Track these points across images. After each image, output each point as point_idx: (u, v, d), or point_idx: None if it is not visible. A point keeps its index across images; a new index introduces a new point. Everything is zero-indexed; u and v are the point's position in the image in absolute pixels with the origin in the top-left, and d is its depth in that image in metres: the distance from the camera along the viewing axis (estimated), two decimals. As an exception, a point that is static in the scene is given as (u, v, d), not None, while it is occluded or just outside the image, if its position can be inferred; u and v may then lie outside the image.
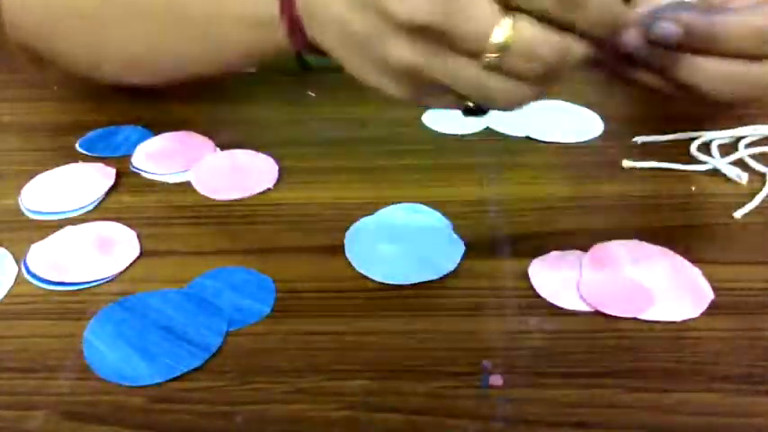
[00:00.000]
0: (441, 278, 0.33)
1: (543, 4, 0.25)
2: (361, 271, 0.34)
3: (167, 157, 0.44)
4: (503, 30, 0.25)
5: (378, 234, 0.36)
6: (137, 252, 0.35)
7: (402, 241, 0.36)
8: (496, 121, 0.48)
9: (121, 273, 0.34)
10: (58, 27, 0.46)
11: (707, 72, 0.32)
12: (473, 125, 0.47)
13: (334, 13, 0.30)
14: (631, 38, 0.32)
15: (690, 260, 0.34)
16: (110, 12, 0.43)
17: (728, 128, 0.45)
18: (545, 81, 0.27)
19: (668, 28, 0.31)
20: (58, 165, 0.43)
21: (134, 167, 0.43)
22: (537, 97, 0.27)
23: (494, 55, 0.25)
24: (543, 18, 0.25)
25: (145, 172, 0.42)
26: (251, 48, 0.39)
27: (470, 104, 0.29)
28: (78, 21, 0.45)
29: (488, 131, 0.47)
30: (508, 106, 0.28)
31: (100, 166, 0.43)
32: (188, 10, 0.40)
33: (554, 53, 0.26)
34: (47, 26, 0.46)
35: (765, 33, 0.30)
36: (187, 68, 0.45)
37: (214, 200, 0.40)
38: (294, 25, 0.34)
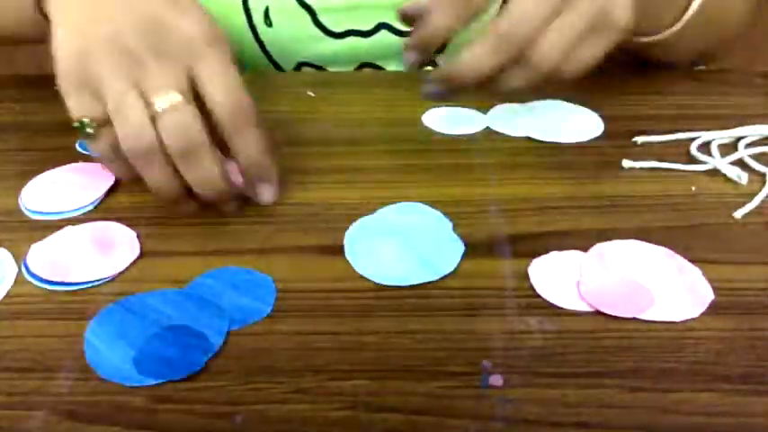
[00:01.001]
0: (441, 278, 0.33)
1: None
2: (361, 271, 0.34)
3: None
4: (169, 99, 0.34)
5: (378, 234, 0.36)
6: (137, 252, 0.35)
7: (402, 241, 0.36)
8: (496, 121, 0.48)
9: (121, 273, 0.34)
10: None
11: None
12: (473, 125, 0.47)
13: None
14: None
15: (690, 260, 0.34)
16: None
17: (728, 128, 0.45)
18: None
19: (433, 89, 0.40)
20: (57, 165, 0.43)
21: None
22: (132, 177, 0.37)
23: (158, 109, 0.34)
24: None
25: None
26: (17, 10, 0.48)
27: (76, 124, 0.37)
28: None
29: (488, 131, 0.47)
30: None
31: (100, 166, 0.43)
32: None
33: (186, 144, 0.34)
34: None
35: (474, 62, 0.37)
36: None
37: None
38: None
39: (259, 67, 0.60)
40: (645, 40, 0.50)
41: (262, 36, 0.58)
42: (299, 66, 0.60)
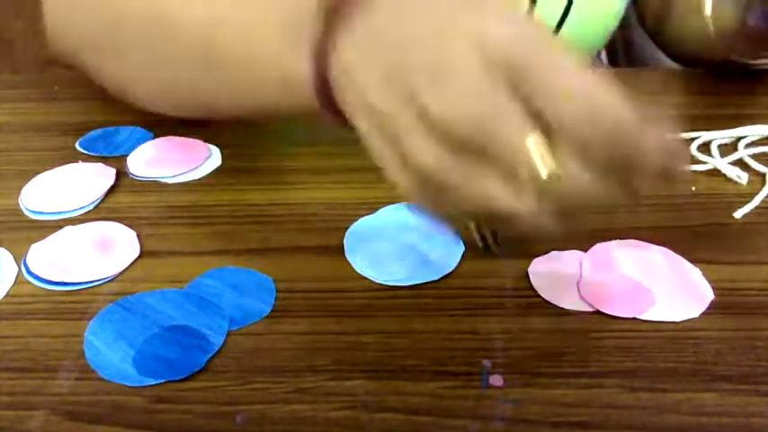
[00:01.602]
0: (441, 278, 0.33)
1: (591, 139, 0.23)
2: (361, 271, 0.34)
3: (163, 163, 0.43)
4: (546, 162, 0.23)
5: (378, 234, 0.36)
6: (137, 252, 0.35)
7: (402, 241, 0.36)
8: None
9: (121, 273, 0.34)
10: (94, 44, 0.44)
11: None
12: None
13: (356, 79, 0.27)
14: None
15: (690, 260, 0.34)
16: (143, 39, 0.41)
17: (728, 128, 0.45)
18: (568, 217, 0.25)
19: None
20: (58, 165, 0.43)
21: (131, 174, 0.43)
22: (565, 231, 0.25)
23: (541, 183, 0.23)
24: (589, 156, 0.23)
25: (143, 178, 0.42)
26: (280, 99, 0.36)
27: (478, 241, 0.31)
28: (112, 41, 0.43)
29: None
30: (530, 233, 0.25)
31: (100, 166, 0.43)
32: (225, 51, 0.37)
33: (599, 198, 0.24)
34: (84, 43, 0.46)
35: None
36: (212, 108, 0.43)
37: (214, 200, 0.40)
38: (325, 87, 0.30)
39: None
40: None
41: None
42: None
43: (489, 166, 0.24)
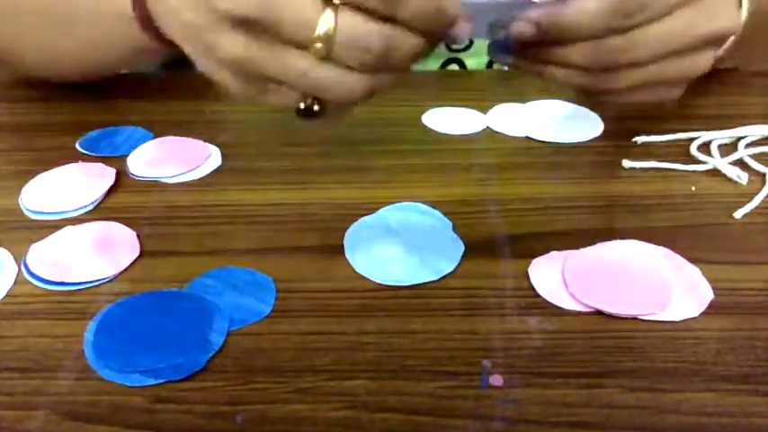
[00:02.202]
0: (441, 278, 0.33)
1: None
2: (361, 271, 0.34)
3: (163, 163, 0.43)
4: (326, 20, 0.26)
5: (377, 234, 0.36)
6: (137, 252, 0.35)
7: (402, 241, 0.36)
8: (496, 121, 0.48)
9: (121, 273, 0.34)
10: None
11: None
12: (473, 125, 0.48)
13: (171, 3, 0.31)
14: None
15: (690, 260, 0.34)
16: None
17: (728, 128, 0.45)
18: (375, 71, 0.28)
19: (524, 28, 0.33)
20: (57, 165, 0.43)
21: (131, 174, 0.43)
22: (370, 89, 0.28)
23: (320, 45, 0.27)
24: (368, 11, 0.27)
25: (143, 178, 0.42)
26: (127, 45, 0.44)
27: (301, 105, 0.29)
28: None
29: (488, 131, 0.47)
30: (339, 97, 0.28)
31: (100, 166, 0.43)
32: (71, 9, 0.45)
33: (379, 43, 0.27)
34: None
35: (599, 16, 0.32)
36: (80, 67, 0.50)
37: (214, 200, 0.40)
38: (146, 19, 0.38)
39: None
40: None
41: None
42: None
43: (287, 44, 0.27)
